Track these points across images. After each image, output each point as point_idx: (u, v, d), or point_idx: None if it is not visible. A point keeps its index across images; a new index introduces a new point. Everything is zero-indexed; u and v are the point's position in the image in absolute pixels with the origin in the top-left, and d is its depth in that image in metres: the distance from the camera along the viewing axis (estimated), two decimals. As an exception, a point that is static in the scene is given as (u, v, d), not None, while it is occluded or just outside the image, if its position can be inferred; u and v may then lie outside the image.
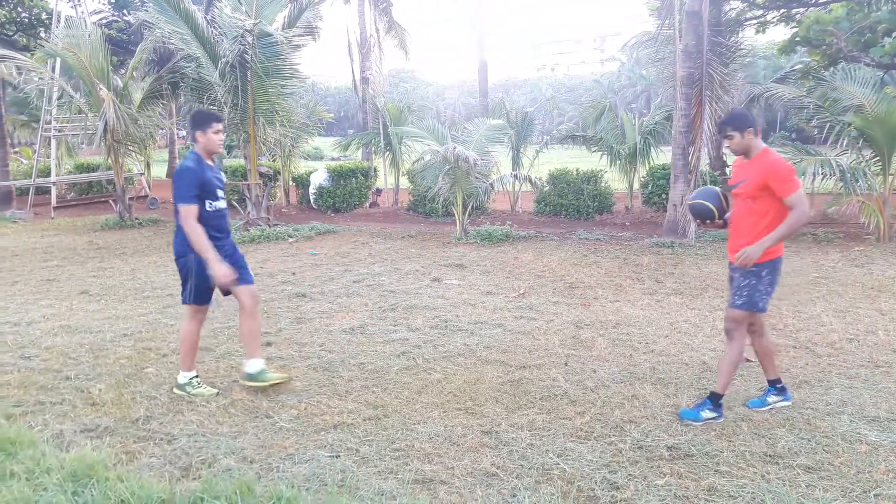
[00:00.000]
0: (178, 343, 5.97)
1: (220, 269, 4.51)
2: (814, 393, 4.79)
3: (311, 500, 3.30)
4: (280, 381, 4.91)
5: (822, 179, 12.00)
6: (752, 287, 4.30)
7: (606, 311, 7.10)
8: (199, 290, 4.76)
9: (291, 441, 4.05)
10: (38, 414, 4.44)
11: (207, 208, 4.67)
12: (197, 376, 4.90)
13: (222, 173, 4.99)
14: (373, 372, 5.28)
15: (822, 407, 4.52)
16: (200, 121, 4.73)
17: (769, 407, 4.51)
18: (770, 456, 3.83)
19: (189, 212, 4.54)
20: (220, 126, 4.76)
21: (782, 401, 4.54)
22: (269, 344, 5.99)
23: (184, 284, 4.82)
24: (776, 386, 4.57)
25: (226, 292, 4.83)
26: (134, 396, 4.76)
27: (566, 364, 5.45)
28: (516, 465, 3.75)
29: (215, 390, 4.86)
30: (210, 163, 4.78)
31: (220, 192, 4.80)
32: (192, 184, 4.57)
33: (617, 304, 7.40)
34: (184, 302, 4.86)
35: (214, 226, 4.72)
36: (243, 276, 4.80)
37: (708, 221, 4.66)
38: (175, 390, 4.83)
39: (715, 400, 4.31)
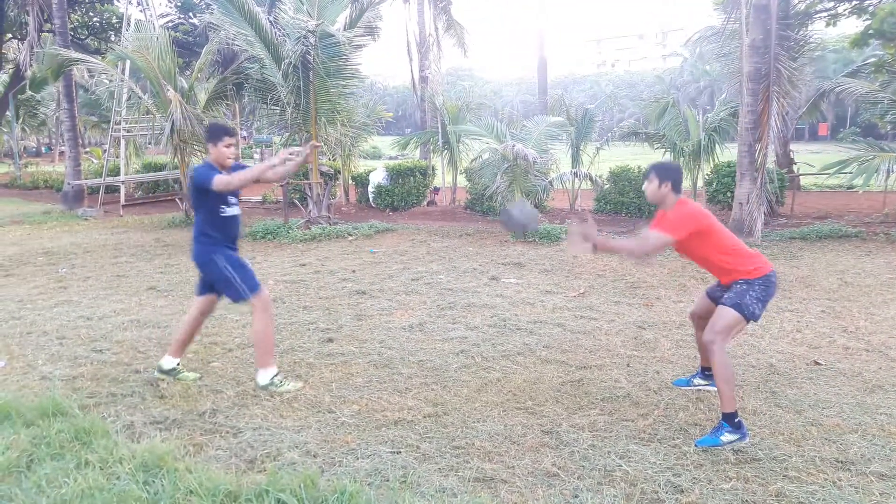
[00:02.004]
0: (243, 338, 6.12)
1: (285, 152, 4.66)
2: (888, 398, 4.61)
3: (374, 495, 3.33)
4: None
5: (897, 177, 11.54)
6: (744, 294, 4.14)
7: (670, 312, 6.97)
8: (246, 276, 4.82)
9: (353, 436, 4.09)
10: (111, 405, 4.60)
11: (221, 214, 4.80)
12: (278, 373, 4.93)
13: None
14: (432, 369, 5.29)
15: (897, 413, 4.35)
16: (212, 134, 4.84)
17: (695, 387, 4.78)
18: (841, 462, 3.70)
19: (220, 181, 4.59)
20: (231, 140, 4.84)
21: (709, 385, 4.69)
22: (330, 340, 6.07)
23: (228, 285, 4.83)
24: (706, 372, 4.71)
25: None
26: (200, 390, 4.88)
27: (628, 365, 5.37)
28: (578, 465, 3.71)
29: (299, 384, 4.91)
30: (223, 173, 4.78)
31: (232, 199, 4.88)
32: (208, 177, 4.63)
33: (681, 305, 7.26)
34: (241, 298, 4.85)
35: (228, 234, 4.88)
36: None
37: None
38: (260, 390, 4.84)
39: (731, 420, 4.02)
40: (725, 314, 4.10)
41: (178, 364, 5.11)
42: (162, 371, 5.09)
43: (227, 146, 4.81)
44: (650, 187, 4.29)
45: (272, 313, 5.02)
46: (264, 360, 4.89)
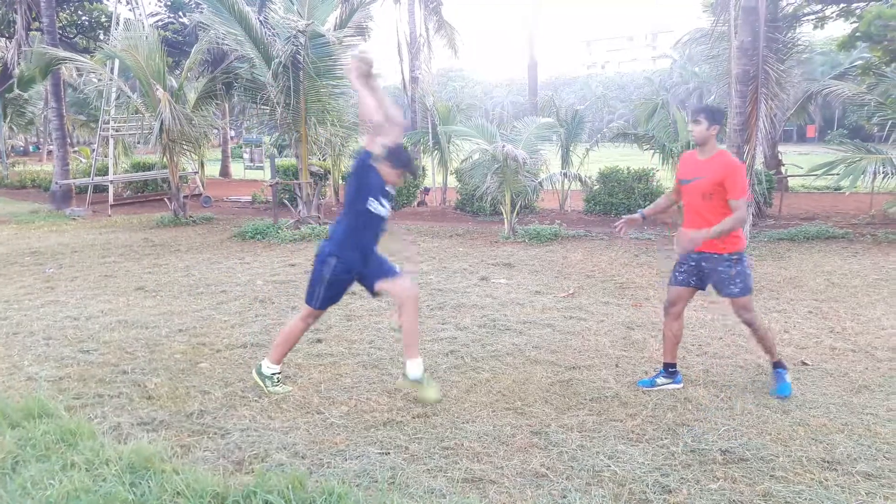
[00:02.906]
0: (231, 339, 6.09)
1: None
2: (874, 398, 4.64)
3: (362, 496, 3.32)
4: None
5: (883, 178, 11.64)
6: (741, 273, 4.53)
7: (658, 312, 6.97)
8: (325, 297, 4.65)
9: (342, 437, 4.08)
10: (97, 406, 4.57)
11: (374, 210, 4.63)
12: (280, 373, 4.87)
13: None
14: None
15: (882, 413, 4.37)
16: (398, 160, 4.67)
17: (658, 387, 4.83)
18: (828, 462, 3.72)
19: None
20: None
21: (672, 383, 4.84)
22: (319, 341, 6.05)
23: (312, 286, 4.69)
24: (669, 370, 4.87)
25: (373, 293, 4.83)
26: (188, 391, 4.86)
27: (617, 365, 5.38)
28: (566, 466, 3.72)
29: (289, 388, 4.84)
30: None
31: (385, 201, 4.73)
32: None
33: (668, 305, 7.27)
34: (308, 302, 4.74)
35: (380, 227, 4.76)
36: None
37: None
38: (255, 375, 4.84)
39: (780, 365, 4.76)
40: (744, 302, 4.58)
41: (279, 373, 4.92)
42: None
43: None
44: (699, 128, 4.52)
45: (310, 324, 4.92)
46: (277, 353, 4.81)
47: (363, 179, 4.57)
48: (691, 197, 4.61)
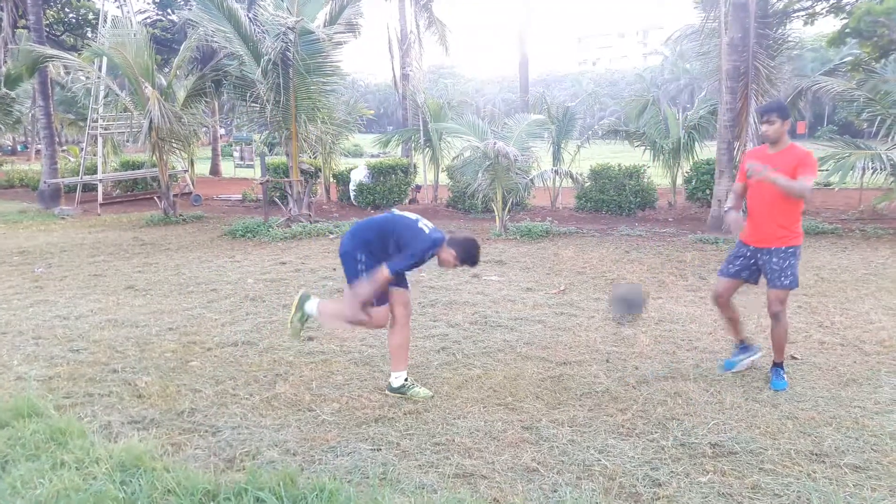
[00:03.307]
0: (221, 337, 6.08)
1: (364, 291, 4.39)
2: (862, 391, 4.67)
3: (354, 492, 3.32)
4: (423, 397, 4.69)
5: (872, 174, 11.71)
6: (794, 266, 4.64)
7: (648, 308, 7.02)
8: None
9: (333, 434, 4.08)
10: (87, 405, 4.55)
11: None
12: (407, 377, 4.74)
13: None
14: (413, 367, 5.28)
15: (870, 405, 4.41)
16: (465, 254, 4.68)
17: (739, 366, 5.09)
18: (816, 454, 3.74)
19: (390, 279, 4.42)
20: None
21: (752, 356, 5.14)
22: (310, 338, 6.04)
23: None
24: (742, 346, 5.17)
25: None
26: (179, 389, 4.85)
27: (608, 361, 5.40)
28: (557, 460, 3.73)
29: (430, 392, 4.71)
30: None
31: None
32: (420, 260, 4.50)
33: (660, 301, 7.31)
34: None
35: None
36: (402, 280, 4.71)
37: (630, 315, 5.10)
38: (391, 393, 4.69)
39: (779, 365, 4.84)
40: (785, 295, 4.72)
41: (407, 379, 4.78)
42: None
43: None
44: (773, 128, 4.61)
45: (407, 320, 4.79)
46: (396, 363, 4.74)
47: (420, 258, 4.48)
48: (762, 190, 4.65)
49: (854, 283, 7.95)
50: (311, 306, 4.82)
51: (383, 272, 4.35)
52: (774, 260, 4.66)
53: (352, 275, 4.55)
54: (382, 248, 4.52)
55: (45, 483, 3.37)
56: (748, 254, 4.86)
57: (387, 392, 4.77)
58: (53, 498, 3.26)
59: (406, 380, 4.77)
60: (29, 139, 49.92)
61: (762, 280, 4.88)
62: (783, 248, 4.64)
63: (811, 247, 10.33)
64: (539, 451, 3.84)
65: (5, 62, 20.05)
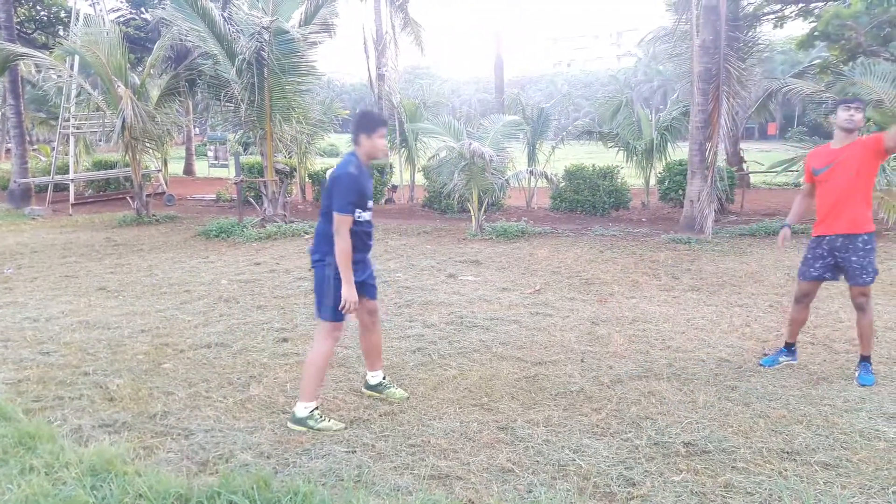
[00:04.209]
0: (195, 339, 6.02)
1: (351, 294, 4.12)
2: (832, 389, 4.75)
3: (328, 495, 3.31)
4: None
5: (842, 175, 11.85)
6: (873, 260, 4.83)
7: (623, 308, 7.07)
8: (338, 303, 4.18)
9: (308, 436, 4.06)
10: (57, 409, 4.48)
11: (358, 218, 4.22)
12: (317, 408, 4.30)
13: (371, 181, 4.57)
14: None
15: (839, 403, 4.48)
16: (367, 123, 4.28)
17: (779, 364, 5.25)
18: (787, 452, 3.80)
19: (344, 221, 4.10)
20: (384, 131, 4.34)
21: (791, 359, 5.29)
22: (285, 340, 6.01)
23: (320, 296, 4.28)
24: (791, 348, 5.31)
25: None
26: (151, 392, 4.79)
27: (582, 360, 5.43)
28: (532, 460, 3.74)
29: (342, 425, 4.26)
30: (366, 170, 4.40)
31: (370, 203, 4.37)
32: (353, 193, 4.14)
33: (633, 301, 7.37)
34: (320, 317, 4.31)
35: (363, 236, 4.33)
36: (370, 290, 4.53)
37: None
38: (290, 425, 4.22)
39: (867, 360, 4.96)
40: (869, 289, 4.87)
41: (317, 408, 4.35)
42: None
43: (382, 137, 4.30)
44: (860, 115, 4.79)
45: (337, 339, 4.48)
46: (308, 391, 4.27)
47: (346, 184, 4.17)
48: (836, 181, 4.83)
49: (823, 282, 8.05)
50: (299, 408, 4.29)
51: (339, 220, 4.09)
52: (854, 259, 4.81)
53: (320, 279, 4.27)
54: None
55: (14, 489, 3.31)
56: (825, 254, 4.97)
57: (363, 391, 4.77)
58: (22, 503, 3.21)
59: (384, 378, 4.79)
60: (-2, 138, 49.02)
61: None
62: (865, 234, 4.79)
63: (782, 247, 10.46)
64: (514, 452, 3.85)
65: (-26, 60, 19.66)
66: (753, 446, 3.87)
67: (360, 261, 4.35)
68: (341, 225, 4.09)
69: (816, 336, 5.99)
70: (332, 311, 4.20)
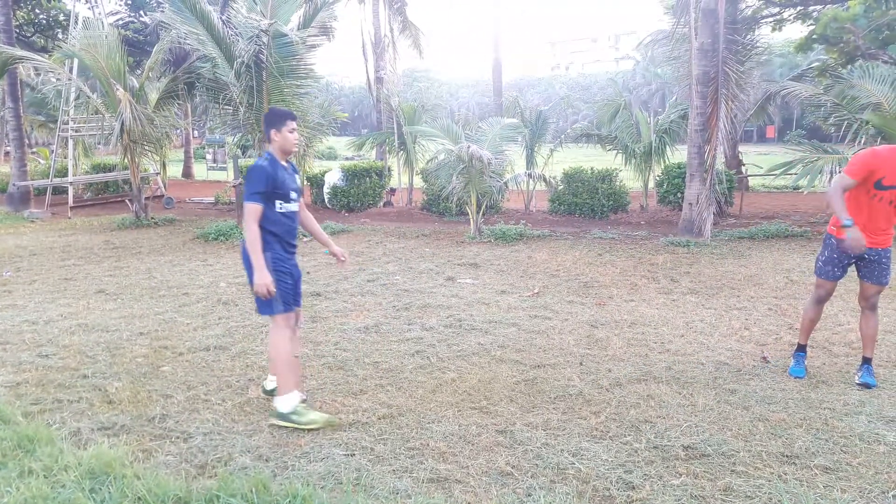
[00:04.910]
0: (193, 341, 6.02)
1: (263, 276, 4.15)
2: (831, 393, 4.75)
3: (327, 498, 3.31)
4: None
5: (840, 178, 11.85)
6: (890, 264, 4.89)
7: (622, 311, 7.07)
8: (282, 293, 4.31)
9: (307, 439, 4.06)
10: (56, 412, 4.48)
11: (278, 209, 4.36)
12: (304, 401, 4.37)
13: (297, 176, 4.66)
14: (387, 371, 5.28)
15: (839, 407, 4.48)
16: (275, 119, 4.44)
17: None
18: (787, 456, 3.80)
19: (252, 210, 4.23)
20: (294, 124, 4.47)
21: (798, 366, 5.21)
22: (283, 343, 6.00)
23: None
24: (804, 350, 5.27)
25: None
26: (150, 395, 4.79)
27: (581, 363, 5.43)
28: (531, 464, 3.74)
29: (328, 415, 4.35)
30: (284, 164, 4.49)
31: (293, 195, 4.47)
32: (261, 182, 4.27)
33: (632, 304, 7.37)
34: (264, 313, 4.43)
35: (285, 228, 4.43)
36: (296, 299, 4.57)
37: None
38: (273, 421, 4.26)
39: (869, 363, 4.97)
40: (884, 290, 4.97)
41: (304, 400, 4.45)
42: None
43: (292, 131, 4.44)
44: None
45: (293, 328, 4.55)
46: (287, 383, 4.31)
47: (259, 174, 4.34)
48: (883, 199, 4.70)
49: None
50: (279, 403, 4.32)
51: (247, 209, 4.23)
52: (884, 261, 4.89)
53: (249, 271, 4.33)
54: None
55: (13, 491, 3.31)
56: (852, 258, 4.93)
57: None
58: (20, 507, 3.20)
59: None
60: (-4, 141, 48.97)
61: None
62: (888, 248, 4.90)
63: (780, 250, 10.48)
64: (513, 455, 3.85)
65: (-28, 63, 19.64)
66: (753, 450, 3.87)
67: (288, 264, 4.46)
68: (248, 214, 4.24)
69: (815, 339, 5.98)
70: (272, 304, 4.29)
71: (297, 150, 4.61)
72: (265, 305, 4.32)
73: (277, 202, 4.35)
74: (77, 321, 6.72)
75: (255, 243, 4.21)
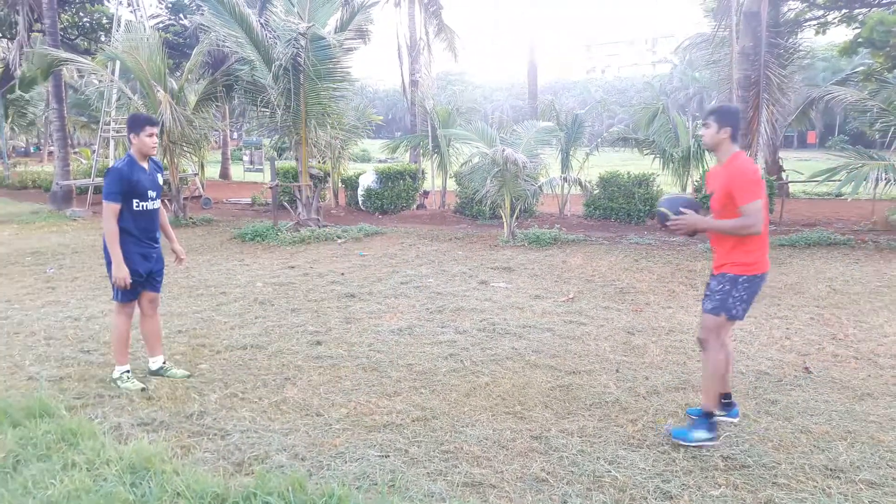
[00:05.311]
0: (231, 340, 6.09)
1: (120, 270, 4.69)
2: (877, 406, 4.63)
3: (362, 499, 3.31)
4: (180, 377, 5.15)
5: (886, 185, 11.62)
6: (726, 293, 4.05)
7: (659, 318, 6.99)
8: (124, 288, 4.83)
9: (342, 440, 4.07)
10: (98, 406, 4.56)
11: (135, 207, 4.80)
12: (128, 371, 5.00)
13: (159, 175, 5.06)
14: (421, 373, 5.28)
15: (885, 421, 4.36)
16: (134, 124, 4.85)
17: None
18: (831, 470, 3.71)
19: (108, 209, 4.70)
20: (153, 130, 4.88)
21: (727, 416, 4.30)
22: (319, 343, 6.04)
23: (111, 280, 4.90)
24: (723, 401, 4.29)
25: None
26: (188, 392, 4.85)
27: (617, 371, 5.37)
28: (567, 471, 3.70)
29: (140, 385, 4.92)
30: (144, 165, 4.88)
31: (151, 194, 4.88)
32: (116, 182, 4.70)
33: (669, 311, 7.27)
34: (114, 299, 4.97)
35: (142, 226, 4.87)
36: (154, 284, 5.11)
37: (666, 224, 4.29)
38: (112, 378, 5.01)
39: (709, 418, 4.05)
40: (711, 322, 4.12)
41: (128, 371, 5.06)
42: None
43: (150, 136, 4.85)
44: (708, 132, 4.15)
45: (130, 314, 5.07)
46: (117, 357, 5.03)
47: (113, 175, 4.78)
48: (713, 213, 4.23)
49: (867, 295, 7.89)
50: (115, 370, 5.04)
51: (104, 207, 4.71)
52: (713, 282, 4.20)
53: (108, 266, 4.88)
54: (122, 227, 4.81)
55: (57, 483, 3.37)
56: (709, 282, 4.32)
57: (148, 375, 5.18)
58: (65, 498, 3.27)
59: (164, 362, 5.27)
60: (42, 141, 50.24)
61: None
62: (727, 274, 4.10)
63: (823, 258, 10.27)
64: (548, 461, 3.82)
65: (21, 65, 20.16)
66: (795, 462, 3.78)
67: (145, 254, 4.94)
68: (106, 211, 4.71)
69: (860, 350, 5.85)
70: (116, 292, 4.87)
71: (154, 152, 4.99)
72: (115, 292, 4.90)
73: (135, 201, 4.79)
74: (117, 318, 6.83)
75: (113, 239, 4.70)
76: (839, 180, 11.66)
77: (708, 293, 4.20)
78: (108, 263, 4.84)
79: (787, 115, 15.91)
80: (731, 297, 4.03)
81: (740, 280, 4.02)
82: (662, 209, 4.32)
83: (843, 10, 15.21)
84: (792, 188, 19.57)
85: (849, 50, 14.99)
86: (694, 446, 3.96)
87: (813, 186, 19.08)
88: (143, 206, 4.83)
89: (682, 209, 4.20)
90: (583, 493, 3.46)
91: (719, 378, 4.08)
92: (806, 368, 5.36)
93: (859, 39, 14.24)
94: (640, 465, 3.76)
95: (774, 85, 11.61)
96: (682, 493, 3.46)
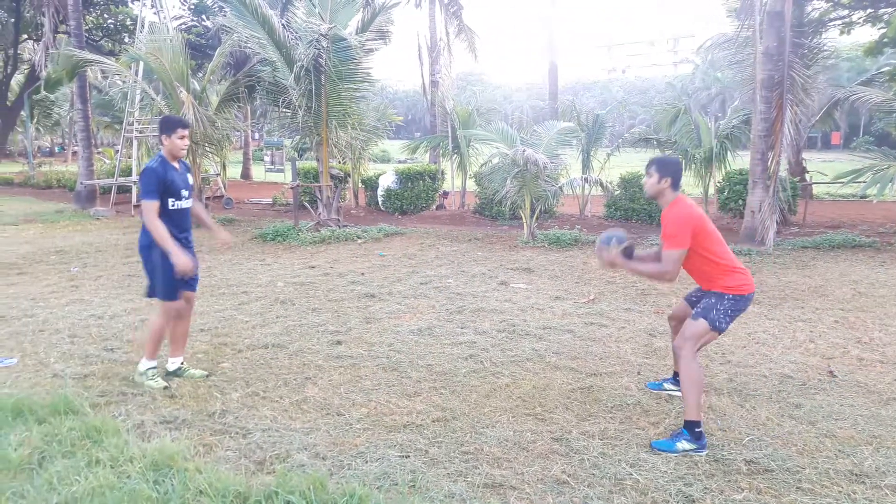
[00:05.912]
0: (252, 339, 6.12)
1: (180, 259, 4.69)
2: (903, 410, 4.56)
3: (383, 499, 3.32)
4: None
5: (912, 187, 11.44)
6: (711, 305, 4.16)
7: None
8: (165, 284, 4.86)
9: (362, 439, 4.08)
10: (121, 404, 4.61)
11: (170, 206, 4.86)
12: (154, 367, 5.04)
13: (189, 175, 5.14)
14: (441, 374, 5.28)
15: (912, 425, 4.30)
16: (166, 126, 4.93)
17: (665, 392, 4.86)
18: (856, 475, 3.66)
19: (148, 207, 4.74)
20: (185, 132, 4.95)
21: (678, 390, 4.49)
22: (339, 342, 6.06)
23: (153, 279, 4.93)
24: (676, 378, 4.51)
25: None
26: (210, 390, 4.89)
27: (639, 373, 5.34)
28: (588, 473, 3.69)
29: (164, 384, 4.95)
30: (175, 165, 4.96)
31: (184, 193, 4.96)
32: (154, 181, 4.76)
33: (690, 312, 7.21)
34: (156, 296, 4.97)
35: (176, 223, 4.92)
36: (190, 283, 5.12)
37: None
38: (136, 373, 5.06)
39: (693, 428, 3.96)
40: (693, 325, 4.14)
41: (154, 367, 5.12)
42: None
43: (181, 138, 4.92)
44: (650, 181, 4.32)
45: (170, 321, 5.07)
46: (149, 352, 5.07)
47: (148, 176, 4.83)
48: None
49: (893, 298, 7.78)
50: (142, 363, 5.09)
51: (144, 206, 4.75)
52: (705, 296, 4.35)
53: (147, 263, 4.94)
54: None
55: (81, 480, 3.41)
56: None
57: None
58: (89, 495, 3.30)
59: (183, 363, 5.26)
60: (66, 141, 50.85)
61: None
62: (714, 291, 4.23)
63: (847, 260, 10.14)
64: (569, 464, 3.80)
65: (46, 66, 20.44)
66: (819, 467, 3.74)
67: (184, 244, 4.93)
68: (147, 210, 4.75)
69: (886, 354, 5.77)
70: (164, 290, 4.88)
71: (184, 154, 5.06)
72: (160, 291, 4.91)
73: (170, 200, 4.87)
74: (140, 316, 6.91)
75: (163, 234, 4.70)
76: (864, 182, 11.51)
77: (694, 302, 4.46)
78: (147, 263, 4.90)
79: (811, 116, 15.72)
80: (716, 309, 4.13)
81: (727, 297, 4.14)
82: (599, 237, 4.64)
83: (868, 10, 15.02)
84: (816, 190, 19.35)
85: (874, 50, 14.80)
86: (716, 449, 3.93)
87: (837, 188, 18.82)
88: (177, 204, 4.92)
89: (609, 245, 4.53)
90: (604, 496, 3.45)
91: (699, 387, 4.02)
92: (830, 372, 5.29)
93: (885, 39, 14.05)
94: (661, 468, 3.74)
95: (798, 85, 11.45)
96: (705, 497, 3.43)
